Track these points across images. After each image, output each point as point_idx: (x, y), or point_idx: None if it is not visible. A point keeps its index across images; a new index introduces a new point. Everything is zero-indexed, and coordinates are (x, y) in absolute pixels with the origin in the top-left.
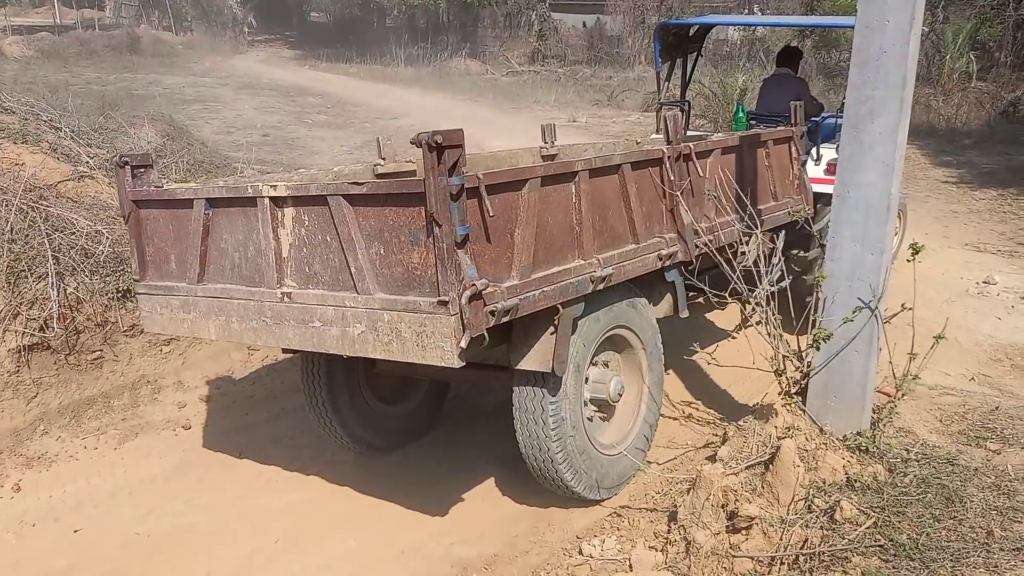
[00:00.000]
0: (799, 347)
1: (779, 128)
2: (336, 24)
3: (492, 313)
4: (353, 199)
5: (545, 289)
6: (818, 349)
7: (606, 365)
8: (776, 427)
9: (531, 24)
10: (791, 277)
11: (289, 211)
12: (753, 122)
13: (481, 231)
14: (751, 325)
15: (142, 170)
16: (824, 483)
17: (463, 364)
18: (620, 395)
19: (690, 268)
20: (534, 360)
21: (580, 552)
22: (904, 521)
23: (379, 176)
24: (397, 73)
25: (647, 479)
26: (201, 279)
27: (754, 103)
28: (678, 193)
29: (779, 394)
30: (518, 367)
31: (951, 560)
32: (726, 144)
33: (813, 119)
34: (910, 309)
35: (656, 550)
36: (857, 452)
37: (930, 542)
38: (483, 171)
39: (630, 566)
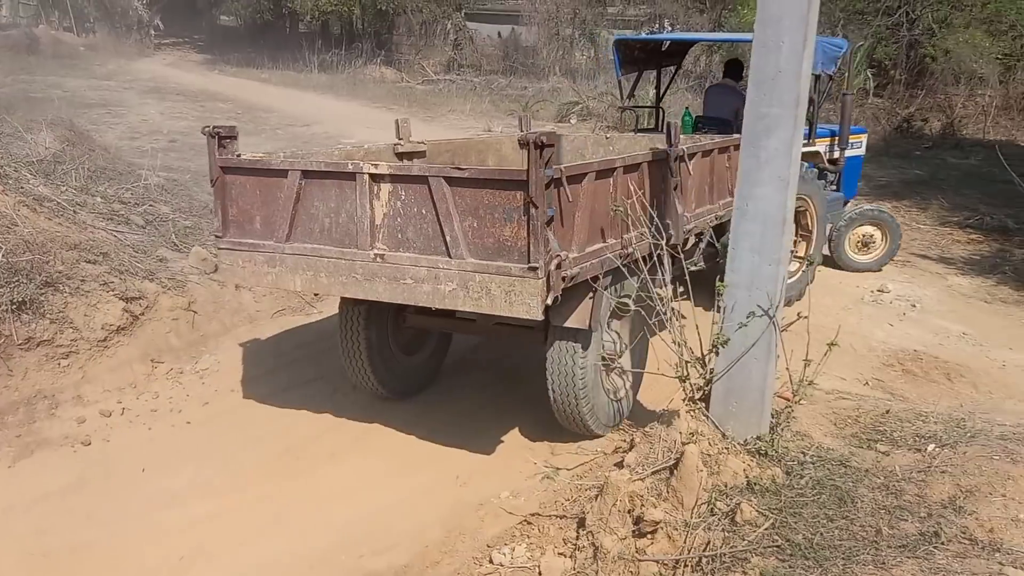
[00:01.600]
0: (702, 353)
1: (734, 136)
2: (247, 28)
3: (564, 279)
4: (452, 180)
5: (592, 262)
6: (717, 354)
7: (613, 327)
8: (681, 433)
9: (447, 33)
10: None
11: (386, 187)
12: (701, 125)
13: (559, 213)
14: (655, 333)
15: (228, 140)
16: (726, 486)
17: (543, 318)
18: (622, 352)
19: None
20: (575, 320)
21: (490, 561)
22: (800, 522)
23: (398, 155)
24: (310, 79)
25: (557, 486)
26: (289, 239)
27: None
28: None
29: (684, 400)
30: (562, 325)
31: (843, 558)
32: (706, 148)
33: None
34: (806, 317)
35: (565, 556)
36: (757, 456)
37: (824, 541)
38: (564, 165)
39: (539, 573)
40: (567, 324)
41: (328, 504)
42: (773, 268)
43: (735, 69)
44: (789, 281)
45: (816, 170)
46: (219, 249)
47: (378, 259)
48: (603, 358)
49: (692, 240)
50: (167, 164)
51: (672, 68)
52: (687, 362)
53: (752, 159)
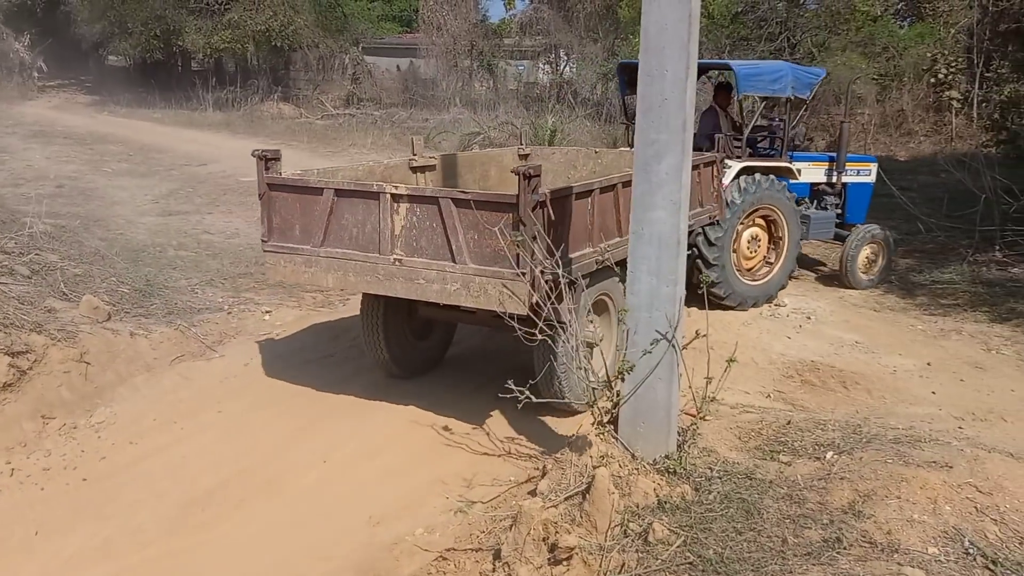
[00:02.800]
0: (609, 377)
1: (707, 154)
2: (137, 68)
3: (547, 281)
4: (458, 201)
5: (573, 266)
6: (623, 380)
7: (591, 319)
8: (592, 457)
9: (345, 67)
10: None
11: (404, 204)
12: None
13: (545, 226)
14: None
15: (273, 162)
16: (638, 507)
17: (527, 313)
18: (600, 339)
19: None
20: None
21: None
22: (710, 537)
23: (412, 169)
24: (205, 118)
25: (472, 519)
26: (323, 244)
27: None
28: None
29: (593, 424)
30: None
31: (752, 570)
32: None
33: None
34: (705, 336)
35: None
36: (666, 474)
37: (733, 555)
38: (549, 189)
39: None
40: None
41: (235, 557)
42: (671, 289)
43: (722, 92)
44: (760, 283)
45: (785, 182)
46: (265, 252)
47: (396, 263)
48: (585, 344)
49: None
50: (54, 211)
51: None
52: (593, 388)
53: (645, 184)
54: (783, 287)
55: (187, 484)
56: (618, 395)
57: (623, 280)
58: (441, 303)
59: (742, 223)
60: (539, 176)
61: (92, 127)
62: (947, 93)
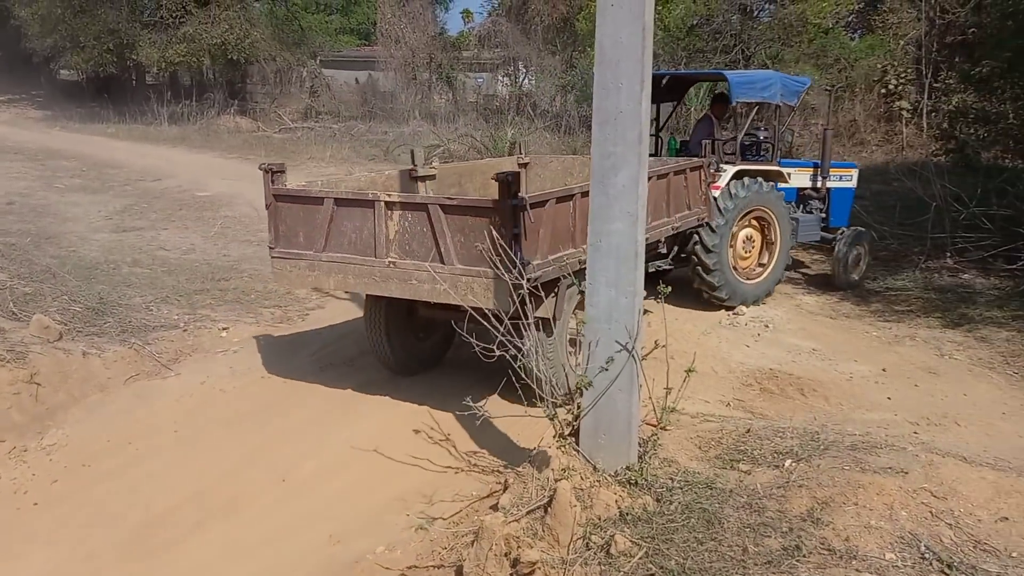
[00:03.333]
0: (569, 390)
1: (693, 159)
2: (90, 83)
3: (529, 280)
4: (445, 207)
5: (555, 267)
6: (581, 394)
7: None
8: (553, 470)
9: (303, 80)
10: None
11: (397, 211)
12: (683, 150)
13: (524, 230)
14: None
15: (279, 174)
16: (599, 519)
17: (511, 309)
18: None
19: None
20: (543, 310)
21: None
22: (672, 547)
23: (413, 178)
24: (160, 132)
25: (433, 536)
26: (324, 249)
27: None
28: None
29: (554, 437)
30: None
31: None
32: (661, 171)
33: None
34: (664, 346)
35: None
36: (628, 486)
37: (695, 565)
38: (528, 194)
39: None
40: (537, 313)
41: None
42: (629, 300)
43: (719, 102)
44: (754, 282)
45: (792, 191)
46: (272, 258)
47: (391, 265)
48: (571, 341)
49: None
50: (4, 228)
51: (674, 103)
52: (552, 402)
53: (602, 196)
54: (777, 283)
55: (142, 507)
56: (579, 407)
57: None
58: (432, 302)
59: (737, 224)
60: (517, 182)
61: (44, 142)
62: (897, 103)
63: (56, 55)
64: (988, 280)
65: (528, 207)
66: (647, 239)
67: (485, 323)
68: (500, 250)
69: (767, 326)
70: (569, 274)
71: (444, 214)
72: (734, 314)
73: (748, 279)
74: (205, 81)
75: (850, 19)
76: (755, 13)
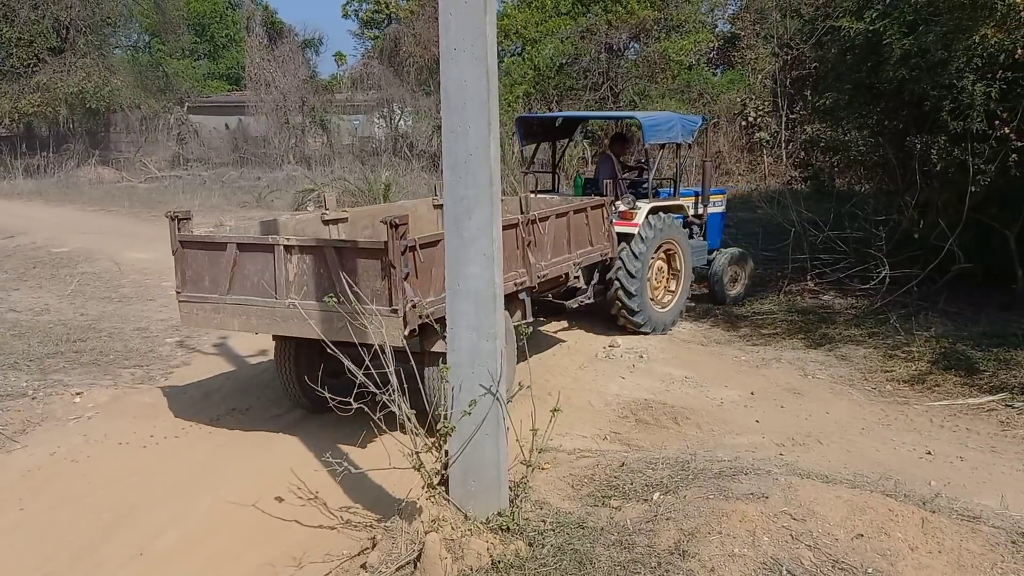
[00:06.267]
0: (437, 437)
1: (596, 198)
2: None
3: (421, 316)
4: (339, 250)
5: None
6: (446, 441)
7: None
8: (423, 522)
9: (169, 128)
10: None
11: (295, 254)
12: (588, 188)
13: (414, 270)
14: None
15: (184, 221)
16: (471, 570)
17: (403, 345)
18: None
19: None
20: (439, 346)
21: None
22: None
23: (325, 222)
24: (14, 187)
25: None
26: (229, 291)
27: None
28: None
29: (423, 487)
30: (430, 350)
31: None
32: (562, 210)
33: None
34: (529, 387)
35: None
36: (500, 532)
37: None
38: (418, 236)
39: None
40: (434, 349)
41: None
42: (491, 343)
43: (617, 142)
44: (664, 311)
45: (681, 220)
46: (179, 301)
47: (291, 306)
48: None
49: (571, 278)
50: None
51: (566, 140)
52: (417, 452)
53: (457, 239)
54: (682, 312)
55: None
56: (446, 455)
57: (511, 312)
58: (330, 340)
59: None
60: (406, 224)
61: None
62: (758, 134)
63: None
64: (846, 300)
65: (419, 247)
66: (545, 275)
67: (348, 363)
68: (391, 289)
69: (641, 357)
70: None
71: (338, 256)
72: (610, 346)
73: (661, 308)
74: (63, 131)
75: (711, 55)
76: (621, 51)
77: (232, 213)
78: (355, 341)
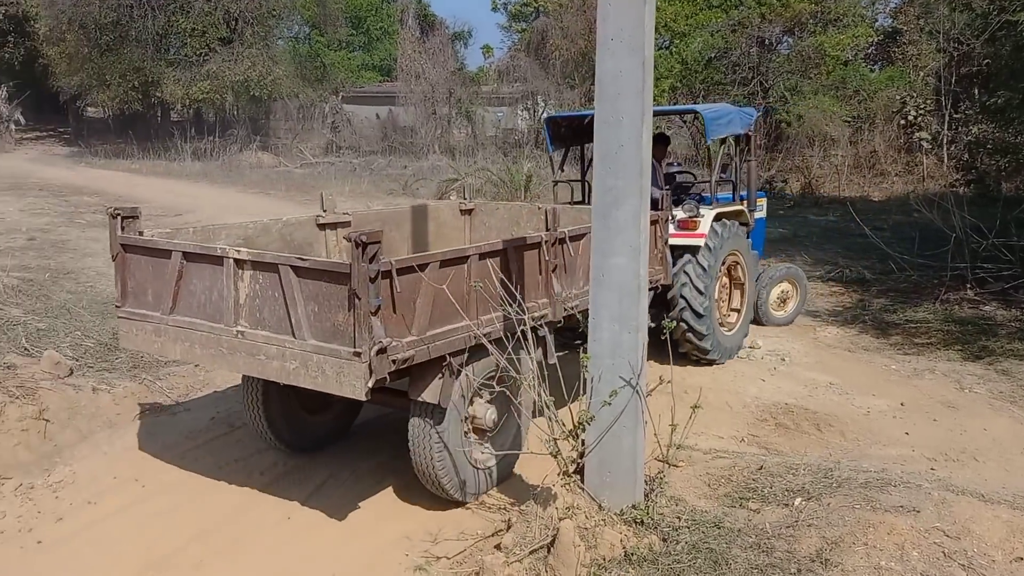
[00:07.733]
0: (574, 426)
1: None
2: (115, 120)
3: (394, 361)
4: (298, 269)
5: (439, 343)
6: (584, 431)
7: (486, 399)
8: (557, 508)
9: (324, 116)
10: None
11: (248, 271)
12: None
13: (390, 301)
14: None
15: (129, 220)
16: (604, 559)
17: (368, 398)
18: (495, 422)
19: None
20: (428, 395)
21: None
22: None
23: (319, 226)
24: (183, 168)
25: None
26: (172, 311)
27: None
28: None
29: (559, 474)
30: (416, 399)
31: None
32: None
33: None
34: (669, 382)
35: None
36: (633, 525)
37: None
38: (395, 258)
39: None
40: (421, 398)
41: None
42: (632, 336)
43: (659, 144)
44: (730, 334)
45: (743, 227)
46: (118, 318)
47: (240, 335)
48: (473, 430)
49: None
50: (24, 263)
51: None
52: (555, 439)
53: (604, 230)
54: (746, 336)
55: (145, 547)
56: (583, 444)
57: (535, 352)
58: (281, 383)
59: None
60: (377, 243)
61: (68, 179)
62: (918, 134)
63: (82, 93)
64: (1009, 312)
65: (396, 273)
66: (574, 307)
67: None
68: (355, 326)
69: (783, 359)
70: (462, 351)
71: (296, 277)
72: (750, 347)
73: (728, 330)
74: (228, 117)
75: (870, 51)
76: (773, 46)
77: (379, 200)
78: (309, 387)
